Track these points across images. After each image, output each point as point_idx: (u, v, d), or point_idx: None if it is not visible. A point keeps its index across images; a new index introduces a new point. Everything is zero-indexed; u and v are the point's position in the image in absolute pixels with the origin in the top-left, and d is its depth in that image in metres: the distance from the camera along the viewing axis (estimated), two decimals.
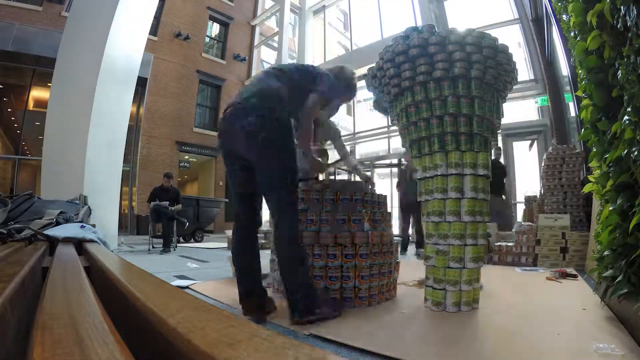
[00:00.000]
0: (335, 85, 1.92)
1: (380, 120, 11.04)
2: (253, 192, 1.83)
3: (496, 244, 4.14)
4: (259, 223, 1.92)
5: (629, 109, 1.26)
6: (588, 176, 2.25)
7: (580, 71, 1.86)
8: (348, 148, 12.16)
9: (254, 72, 15.10)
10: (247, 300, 1.76)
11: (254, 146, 1.67)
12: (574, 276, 2.96)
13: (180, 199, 5.99)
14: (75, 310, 0.44)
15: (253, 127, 1.65)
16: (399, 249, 4.13)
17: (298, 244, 1.71)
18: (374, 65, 2.16)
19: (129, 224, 11.39)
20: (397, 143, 10.04)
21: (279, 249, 1.74)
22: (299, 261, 1.68)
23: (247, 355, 0.29)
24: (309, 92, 1.80)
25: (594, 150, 1.73)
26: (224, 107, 1.91)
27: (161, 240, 5.58)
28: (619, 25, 1.30)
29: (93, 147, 4.96)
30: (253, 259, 1.85)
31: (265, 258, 2.58)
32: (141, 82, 10.43)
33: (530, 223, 4.42)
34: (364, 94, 12.82)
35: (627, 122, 1.26)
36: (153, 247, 5.47)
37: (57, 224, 2.04)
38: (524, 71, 7.99)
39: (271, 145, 1.66)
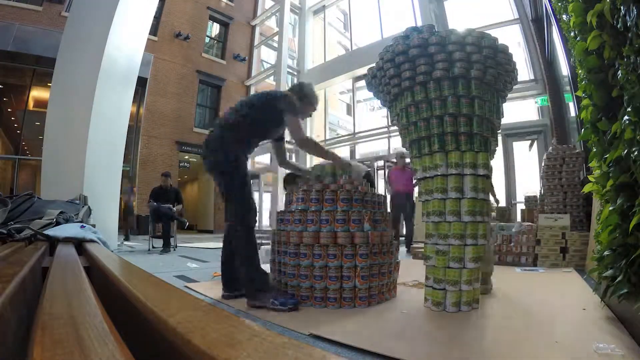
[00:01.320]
0: (298, 104, 2.21)
1: (380, 120, 11.03)
2: None
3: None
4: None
5: (629, 109, 1.26)
6: (588, 176, 2.25)
7: (580, 71, 1.86)
8: (348, 148, 12.12)
9: (253, 72, 15.10)
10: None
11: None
12: None
13: (181, 198, 5.96)
14: (75, 310, 0.44)
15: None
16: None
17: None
18: (374, 65, 2.16)
19: None
20: (397, 143, 10.05)
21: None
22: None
23: (247, 355, 0.29)
24: (274, 109, 2.14)
25: (594, 150, 1.73)
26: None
27: (161, 240, 5.57)
28: (619, 25, 1.30)
29: (93, 147, 4.95)
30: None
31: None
32: (141, 82, 10.42)
33: (530, 223, 4.41)
34: (364, 94, 12.86)
35: (627, 122, 1.26)
36: (153, 247, 5.47)
37: (57, 224, 2.04)
38: (524, 71, 7.99)
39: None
